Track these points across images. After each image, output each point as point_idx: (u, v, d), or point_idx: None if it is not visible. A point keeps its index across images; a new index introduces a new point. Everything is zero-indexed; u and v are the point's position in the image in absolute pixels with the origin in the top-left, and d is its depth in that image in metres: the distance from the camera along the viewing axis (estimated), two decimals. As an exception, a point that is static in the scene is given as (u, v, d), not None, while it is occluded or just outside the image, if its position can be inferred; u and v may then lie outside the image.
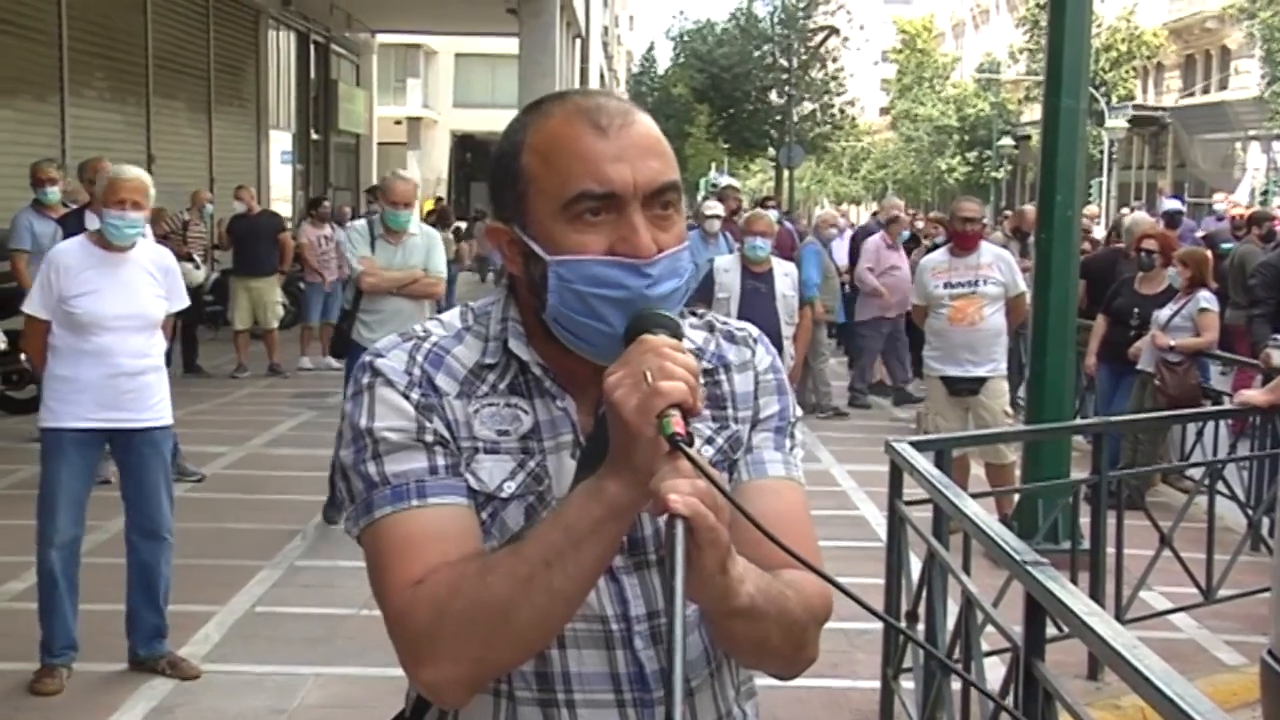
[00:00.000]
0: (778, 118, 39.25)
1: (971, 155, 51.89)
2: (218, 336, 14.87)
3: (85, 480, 4.92)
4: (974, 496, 4.24)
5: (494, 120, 26.69)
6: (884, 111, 67.76)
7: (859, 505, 8.04)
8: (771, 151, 40.15)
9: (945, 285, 7.58)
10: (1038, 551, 3.14)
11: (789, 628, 1.44)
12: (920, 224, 15.93)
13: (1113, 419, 6.75)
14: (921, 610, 4.18)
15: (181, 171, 17.20)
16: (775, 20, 40.66)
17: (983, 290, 7.51)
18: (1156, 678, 2.18)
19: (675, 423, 1.28)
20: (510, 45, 20.78)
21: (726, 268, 8.48)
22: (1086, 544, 5.45)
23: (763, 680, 1.61)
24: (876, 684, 4.68)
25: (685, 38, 43.84)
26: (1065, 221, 6.74)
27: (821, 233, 12.97)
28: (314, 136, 24.79)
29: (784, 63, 39.12)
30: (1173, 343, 7.90)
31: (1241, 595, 5.82)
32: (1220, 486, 6.30)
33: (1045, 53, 6.93)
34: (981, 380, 7.51)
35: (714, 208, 11.12)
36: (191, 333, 12.85)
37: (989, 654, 3.88)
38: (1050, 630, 3.02)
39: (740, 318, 1.69)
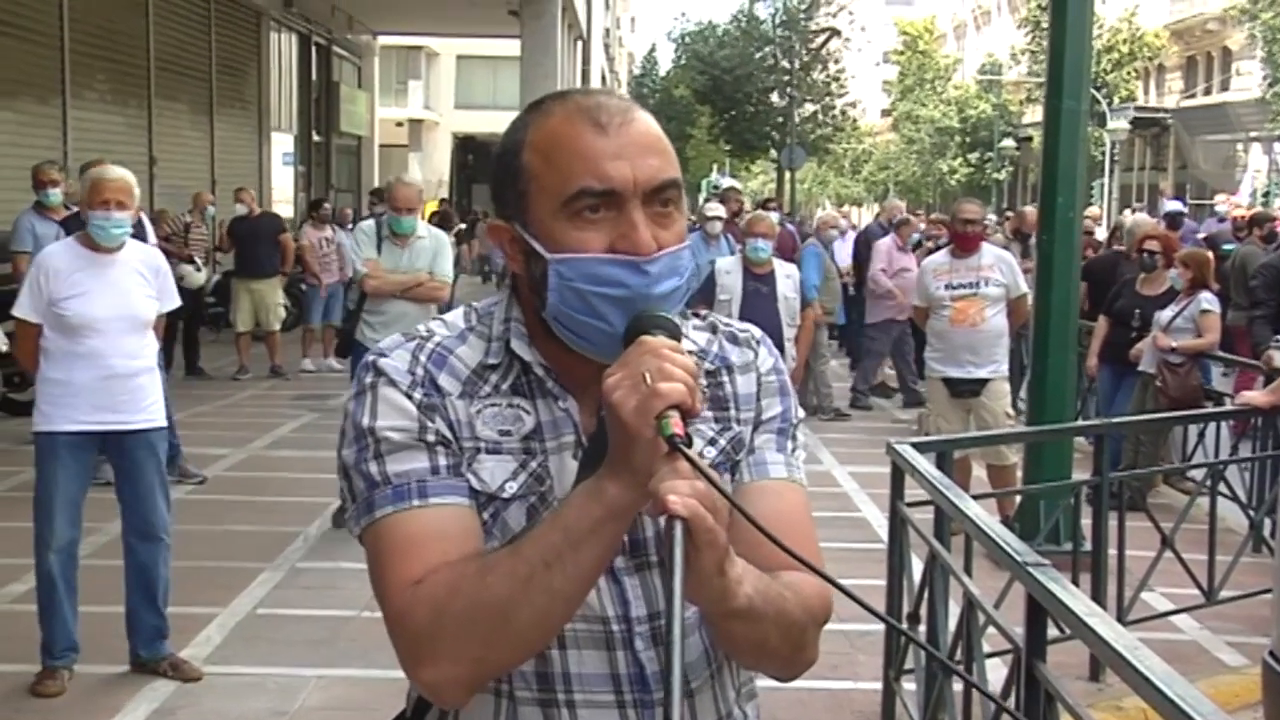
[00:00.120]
0: (779, 119, 39.23)
1: (973, 157, 51.86)
2: (219, 338, 14.86)
3: (81, 483, 4.90)
4: (975, 498, 4.25)
5: (495, 122, 26.66)
6: (885, 113, 67.77)
7: (860, 507, 8.04)
8: (773, 153, 40.16)
9: (946, 286, 7.57)
10: (1039, 553, 3.14)
11: (787, 629, 1.44)
12: (922, 226, 15.92)
13: (1114, 420, 6.75)
14: (923, 612, 4.18)
15: (183, 173, 17.22)
16: (777, 22, 40.66)
17: (984, 292, 7.50)
18: (1158, 679, 2.18)
19: (674, 424, 1.28)
20: (512, 47, 20.78)
21: (728, 269, 8.48)
22: (1088, 545, 5.45)
23: (764, 682, 1.61)
24: (878, 685, 4.68)
25: (687, 39, 43.91)
26: (1067, 223, 6.74)
27: (822, 234, 12.96)
28: (315, 138, 24.79)
29: (785, 64, 39.11)
30: (1174, 344, 7.89)
31: (1243, 596, 5.82)
32: (1222, 488, 6.29)
33: (1047, 54, 6.93)
34: (983, 382, 7.50)
35: (716, 209, 11.12)
36: (193, 335, 12.85)
37: (990, 655, 3.88)
38: (1052, 631, 3.02)
39: (742, 319, 1.69)
